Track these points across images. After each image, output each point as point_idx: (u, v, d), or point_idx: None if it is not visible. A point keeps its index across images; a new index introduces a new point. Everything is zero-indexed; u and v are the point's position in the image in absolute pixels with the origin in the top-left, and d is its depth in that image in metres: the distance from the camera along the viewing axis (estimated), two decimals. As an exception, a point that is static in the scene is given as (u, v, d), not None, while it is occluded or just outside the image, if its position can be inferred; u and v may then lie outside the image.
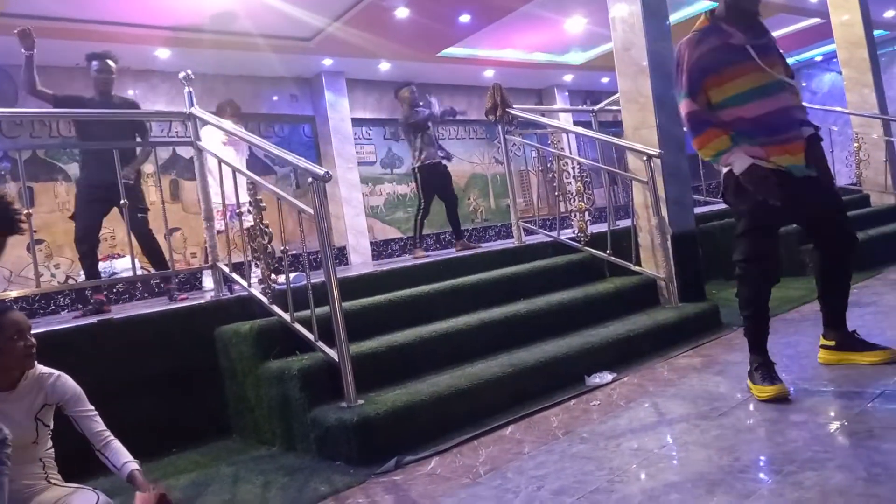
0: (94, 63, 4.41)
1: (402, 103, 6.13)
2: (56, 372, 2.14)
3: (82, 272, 4.43)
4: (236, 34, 7.07)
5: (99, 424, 2.13)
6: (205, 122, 3.75)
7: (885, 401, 2.20)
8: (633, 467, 2.05)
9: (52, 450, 2.14)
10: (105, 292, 4.76)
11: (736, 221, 2.71)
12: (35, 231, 4.86)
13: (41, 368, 2.12)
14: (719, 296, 4.90)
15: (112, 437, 2.13)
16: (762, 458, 1.98)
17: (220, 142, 4.76)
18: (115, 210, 4.17)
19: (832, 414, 2.22)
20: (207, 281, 5.38)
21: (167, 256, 4.26)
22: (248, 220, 4.15)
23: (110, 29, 6.46)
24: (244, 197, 3.53)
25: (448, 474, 2.27)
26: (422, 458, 2.45)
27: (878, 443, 1.89)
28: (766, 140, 2.51)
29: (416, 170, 6.05)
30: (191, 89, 3.72)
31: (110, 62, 4.44)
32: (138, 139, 4.43)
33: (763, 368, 2.54)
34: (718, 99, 2.56)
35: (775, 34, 2.76)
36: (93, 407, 2.16)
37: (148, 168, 7.43)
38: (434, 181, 6.02)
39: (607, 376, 3.12)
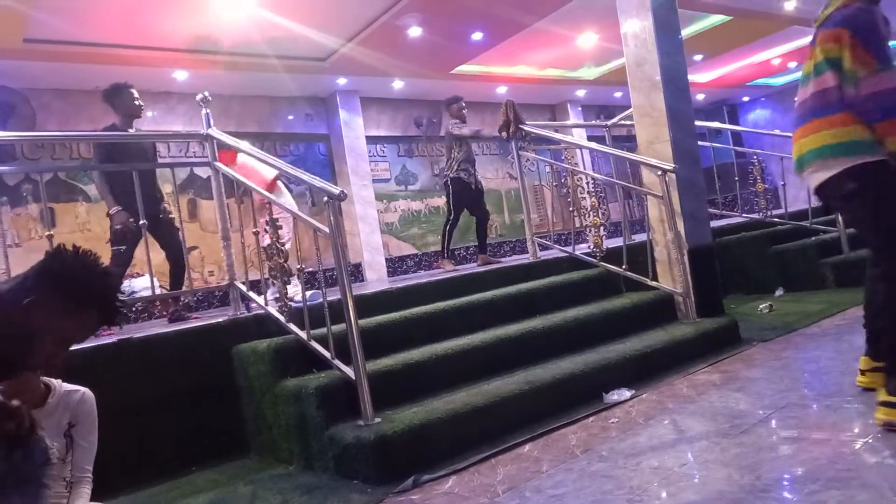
0: (133, 91, 4.47)
1: (452, 115, 6.17)
2: (81, 388, 2.16)
3: None
4: (252, 55, 7.19)
5: (89, 462, 2.13)
6: (221, 143, 3.80)
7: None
8: (654, 486, 2.03)
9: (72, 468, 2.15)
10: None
11: None
12: (56, 251, 4.94)
13: (66, 385, 2.15)
14: (738, 311, 4.86)
15: (90, 482, 2.12)
16: (784, 476, 1.95)
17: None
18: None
19: (856, 431, 2.18)
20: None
21: (185, 274, 4.31)
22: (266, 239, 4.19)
23: (129, 52, 6.59)
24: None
25: (466, 493, 2.26)
26: (439, 477, 2.43)
27: (903, 461, 1.86)
28: None
29: (450, 181, 6.04)
30: (208, 111, 3.79)
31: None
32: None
33: None
34: None
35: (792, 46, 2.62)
36: (95, 441, 2.16)
37: (166, 188, 7.57)
38: (467, 195, 6.06)
39: (625, 393, 3.10)
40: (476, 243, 6.52)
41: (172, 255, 4.46)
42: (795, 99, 2.42)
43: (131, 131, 4.55)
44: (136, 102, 4.48)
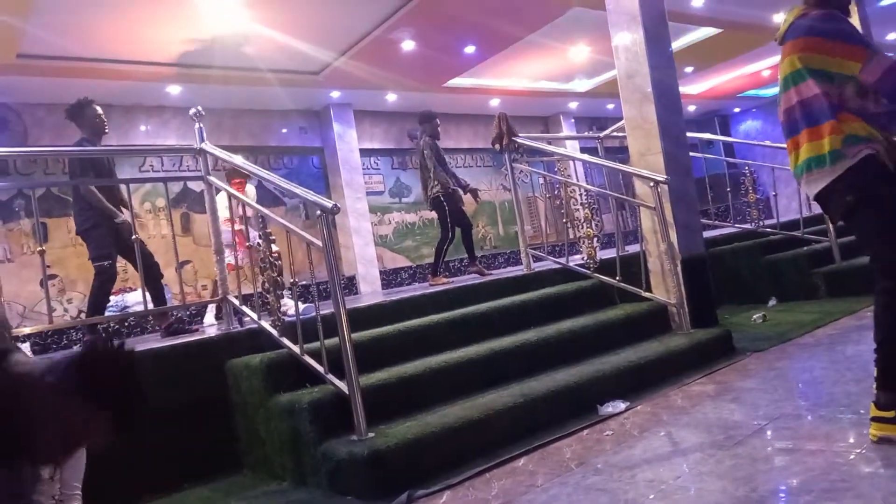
0: (99, 109, 4.41)
1: (428, 133, 5.99)
2: None
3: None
4: (245, 69, 7.21)
5: (78, 479, 2.11)
6: (215, 157, 3.80)
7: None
8: (649, 499, 2.02)
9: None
10: (104, 328, 4.68)
11: None
12: (48, 266, 4.91)
13: None
14: (731, 321, 4.87)
15: (79, 499, 2.10)
16: (780, 488, 1.95)
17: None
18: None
19: (850, 441, 2.18)
20: (209, 317, 5.34)
21: (178, 289, 4.28)
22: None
23: (122, 67, 6.60)
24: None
25: (460, 508, 2.24)
26: (434, 493, 2.42)
27: (895, 471, 1.86)
28: None
29: (444, 198, 5.88)
30: (201, 125, 3.79)
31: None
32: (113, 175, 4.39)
33: None
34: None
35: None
36: (84, 458, 2.14)
37: (159, 202, 7.55)
38: (456, 208, 6.00)
39: (620, 405, 3.09)
40: (465, 256, 6.45)
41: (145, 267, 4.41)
42: (781, 108, 2.40)
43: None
44: (99, 119, 4.39)
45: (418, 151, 6.02)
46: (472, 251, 6.14)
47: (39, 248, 3.31)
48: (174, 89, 7.44)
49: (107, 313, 5.97)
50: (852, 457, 2.03)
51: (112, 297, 6.67)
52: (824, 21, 2.22)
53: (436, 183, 5.85)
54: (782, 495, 1.90)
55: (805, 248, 5.88)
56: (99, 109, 4.42)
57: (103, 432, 1.30)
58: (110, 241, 4.23)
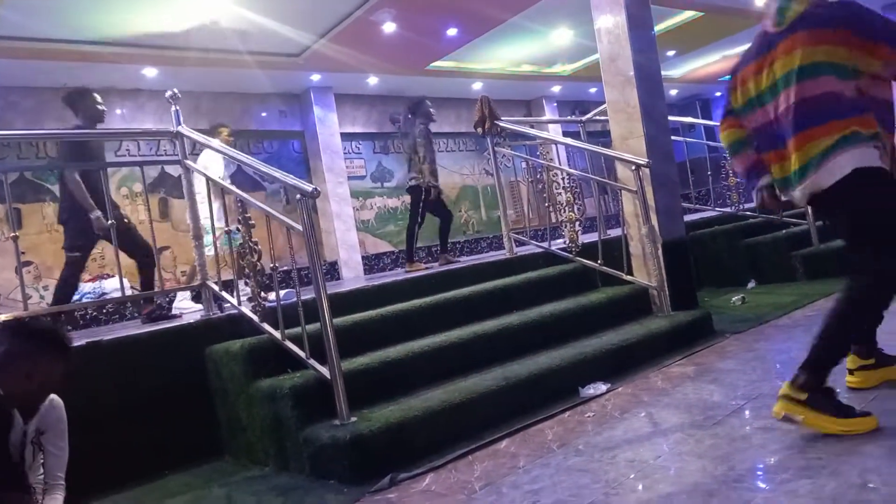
0: (97, 96, 4.39)
1: (421, 119, 5.99)
2: (50, 395, 2.12)
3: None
4: (223, 51, 7.08)
5: (61, 469, 2.10)
6: (193, 141, 3.74)
7: (876, 407, 2.20)
8: (629, 479, 2.04)
9: (43, 475, 2.11)
10: (81, 315, 4.65)
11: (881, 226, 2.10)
12: (23, 253, 4.82)
13: None
14: (711, 303, 4.92)
15: (63, 488, 2.10)
16: (757, 466, 1.97)
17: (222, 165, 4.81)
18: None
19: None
20: (184, 302, 5.27)
21: (156, 276, 4.22)
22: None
23: (97, 49, 6.46)
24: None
25: (443, 491, 2.25)
26: (416, 475, 2.42)
27: (871, 448, 1.89)
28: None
29: (423, 189, 5.91)
30: (178, 108, 3.72)
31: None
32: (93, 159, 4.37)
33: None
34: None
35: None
36: (66, 447, 2.13)
37: (136, 187, 7.44)
38: (437, 199, 6.03)
39: (601, 387, 3.11)
40: (437, 244, 6.45)
41: (142, 253, 4.36)
42: (769, 112, 2.22)
43: None
44: (100, 107, 4.37)
45: (410, 136, 5.97)
46: (445, 242, 6.16)
47: (13, 234, 3.24)
48: (150, 72, 7.30)
49: (84, 300, 5.90)
50: (829, 435, 2.06)
51: (89, 284, 6.59)
52: (847, 6, 2.09)
53: (419, 172, 5.86)
54: (760, 473, 1.93)
55: (784, 231, 5.94)
56: (99, 98, 4.38)
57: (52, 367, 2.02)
58: (87, 234, 4.20)
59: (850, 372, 2.42)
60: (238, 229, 3.18)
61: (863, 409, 2.10)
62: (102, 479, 2.82)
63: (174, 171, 7.51)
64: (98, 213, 4.08)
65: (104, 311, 6.73)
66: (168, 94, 3.72)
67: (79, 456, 2.24)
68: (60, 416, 2.13)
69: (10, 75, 6.63)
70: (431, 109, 6.06)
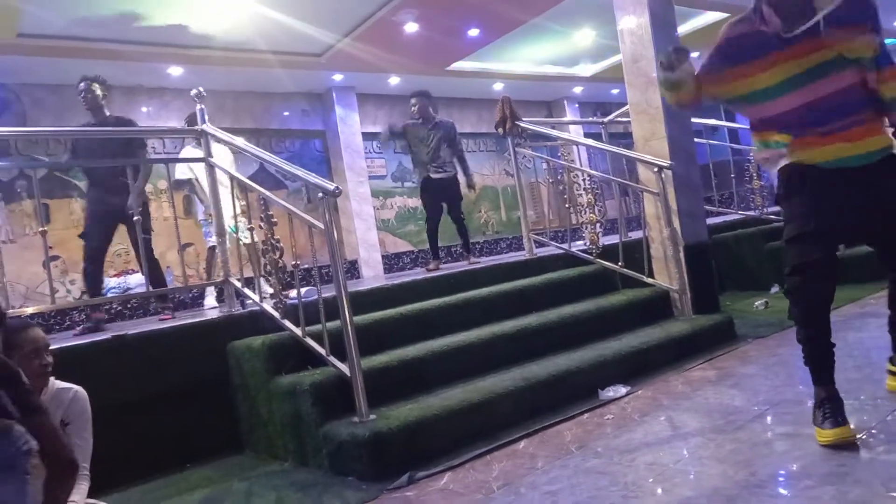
0: (81, 85, 4.48)
1: (436, 112, 5.96)
2: (74, 387, 2.15)
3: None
4: (247, 51, 7.15)
5: (86, 460, 2.12)
6: (217, 139, 3.79)
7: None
8: (649, 482, 2.03)
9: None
10: (106, 309, 4.75)
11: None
12: (50, 247, 4.91)
13: (58, 383, 2.14)
14: (734, 307, 4.87)
15: (87, 479, 2.12)
16: (779, 472, 1.95)
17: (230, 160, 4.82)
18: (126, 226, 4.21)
19: (851, 427, 2.18)
20: (210, 299, 5.35)
21: (180, 271, 4.27)
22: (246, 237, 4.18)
23: (124, 48, 6.55)
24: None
25: (461, 490, 2.25)
26: (434, 474, 2.43)
27: (895, 457, 1.86)
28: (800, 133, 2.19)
29: (452, 178, 5.84)
30: (203, 106, 3.77)
31: (95, 85, 4.48)
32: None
33: (826, 406, 2.07)
34: (744, 92, 2.29)
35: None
36: (90, 438, 2.16)
37: (161, 184, 7.54)
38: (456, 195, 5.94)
39: (621, 389, 3.10)
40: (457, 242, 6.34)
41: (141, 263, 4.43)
42: (818, 89, 2.15)
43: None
44: (81, 96, 4.45)
45: (442, 128, 5.81)
46: (466, 242, 6.03)
47: (41, 229, 3.31)
48: (175, 70, 7.39)
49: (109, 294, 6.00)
50: (852, 443, 2.03)
51: (115, 279, 6.69)
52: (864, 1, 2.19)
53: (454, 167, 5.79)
54: (782, 479, 1.91)
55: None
56: (83, 86, 4.44)
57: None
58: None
59: (893, 374, 2.43)
60: (261, 226, 3.22)
61: None
62: (125, 471, 2.87)
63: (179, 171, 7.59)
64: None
65: (129, 305, 6.83)
66: (193, 92, 3.76)
67: (101, 448, 2.28)
68: (84, 407, 2.16)
69: (37, 73, 6.76)
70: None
